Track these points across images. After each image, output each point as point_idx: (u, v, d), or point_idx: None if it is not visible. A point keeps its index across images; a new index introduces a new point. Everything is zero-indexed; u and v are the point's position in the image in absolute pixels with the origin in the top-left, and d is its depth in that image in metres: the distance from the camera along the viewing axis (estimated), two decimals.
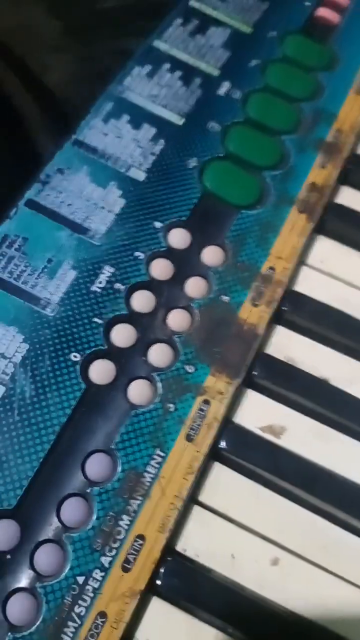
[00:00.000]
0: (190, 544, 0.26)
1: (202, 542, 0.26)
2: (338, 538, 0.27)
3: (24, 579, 0.24)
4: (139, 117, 0.34)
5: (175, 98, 0.35)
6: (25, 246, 0.30)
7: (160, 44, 0.37)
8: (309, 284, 0.32)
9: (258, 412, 0.29)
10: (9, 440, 0.26)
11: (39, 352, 0.28)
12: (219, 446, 0.28)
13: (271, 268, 0.31)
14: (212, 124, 0.35)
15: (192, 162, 0.34)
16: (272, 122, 0.35)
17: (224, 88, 0.36)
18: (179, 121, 0.35)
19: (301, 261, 0.33)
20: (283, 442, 0.28)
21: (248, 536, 0.27)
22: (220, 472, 0.28)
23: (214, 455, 0.28)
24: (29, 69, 0.46)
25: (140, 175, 0.33)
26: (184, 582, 0.25)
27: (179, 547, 0.26)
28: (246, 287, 0.31)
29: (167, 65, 0.36)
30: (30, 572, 0.24)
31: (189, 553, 0.26)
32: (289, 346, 0.31)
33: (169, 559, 0.25)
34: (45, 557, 0.24)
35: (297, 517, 0.27)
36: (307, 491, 0.28)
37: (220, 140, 0.35)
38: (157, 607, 0.25)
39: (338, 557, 0.27)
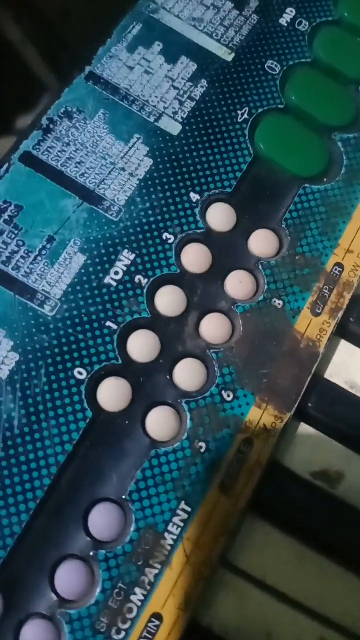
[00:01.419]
0: (219, 619, 0.22)
1: (232, 616, 0.22)
2: None
3: None
4: (176, 46, 0.27)
5: (225, 24, 0.28)
6: (18, 217, 0.23)
7: None
8: None
9: (311, 453, 0.24)
10: None
11: (32, 365, 0.22)
12: (261, 498, 0.23)
13: (338, 265, 0.25)
14: (271, 64, 0.28)
15: (243, 114, 0.27)
16: (347, 68, 0.28)
17: (288, 16, 0.29)
18: (228, 56, 0.27)
19: None
20: (339, 492, 0.23)
21: (289, 610, 0.22)
22: (259, 529, 0.23)
23: (253, 505, 0.23)
24: None
25: (175, 128, 0.26)
26: None
27: (205, 622, 0.22)
28: (306, 290, 0.25)
29: None
30: None
31: (216, 629, 0.22)
32: (353, 368, 0.25)
33: None
34: (34, 638, 0.20)
35: (353, 587, 0.23)
36: None
37: (280, 87, 0.27)
38: None
39: None
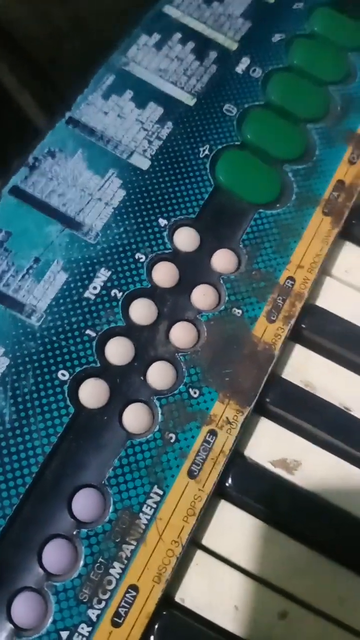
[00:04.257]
0: (190, 594, 0.25)
1: (202, 591, 0.25)
2: (356, 587, 0.26)
3: None
4: (145, 94, 0.32)
5: (187, 74, 0.33)
6: (8, 242, 0.28)
7: (171, 10, 0.35)
8: (331, 298, 0.31)
9: (270, 444, 0.28)
10: None
11: (21, 368, 0.26)
12: (226, 483, 0.26)
13: (290, 278, 0.30)
14: (228, 107, 0.33)
15: (204, 150, 0.32)
16: (296, 108, 0.34)
17: (243, 65, 0.34)
18: (190, 101, 0.33)
19: (324, 271, 0.31)
20: (296, 478, 0.27)
21: (254, 585, 0.26)
22: (225, 512, 0.26)
23: (220, 491, 0.26)
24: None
25: (144, 163, 0.31)
26: (181, 638, 0.24)
27: (177, 597, 0.25)
28: (262, 300, 0.29)
29: (178, 35, 0.34)
30: (7, 625, 0.23)
31: (188, 604, 0.25)
32: (307, 368, 0.29)
33: (164, 612, 0.24)
34: (23, 608, 0.23)
35: (311, 563, 0.26)
36: (322, 535, 0.26)
37: (237, 126, 0.33)
38: None
39: (355, 611, 0.26)
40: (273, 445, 0.28)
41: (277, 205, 0.31)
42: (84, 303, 0.27)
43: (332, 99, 0.35)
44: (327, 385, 0.29)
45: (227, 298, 0.29)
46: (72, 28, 0.48)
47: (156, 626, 0.24)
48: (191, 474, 0.26)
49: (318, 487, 0.27)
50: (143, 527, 0.25)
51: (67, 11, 0.47)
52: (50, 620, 0.23)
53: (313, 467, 0.28)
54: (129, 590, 0.24)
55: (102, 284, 0.28)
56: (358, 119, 0.34)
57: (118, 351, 0.27)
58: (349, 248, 0.32)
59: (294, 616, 0.25)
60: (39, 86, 0.46)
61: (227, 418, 0.27)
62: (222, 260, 0.30)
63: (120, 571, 0.24)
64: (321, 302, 0.30)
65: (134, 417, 0.26)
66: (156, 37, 0.34)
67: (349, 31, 0.36)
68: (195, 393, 0.27)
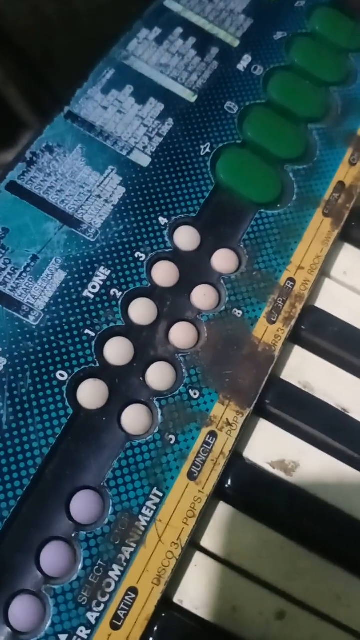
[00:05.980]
0: (188, 595, 0.25)
1: (201, 592, 0.25)
2: (354, 587, 0.26)
3: None
4: (145, 89, 0.32)
5: (188, 70, 0.33)
6: (5, 239, 0.27)
7: (172, 4, 0.34)
8: (330, 300, 0.31)
9: (269, 445, 0.28)
10: None
11: (18, 368, 0.25)
12: (225, 485, 0.26)
13: (291, 279, 0.30)
14: (230, 104, 0.33)
15: (205, 148, 0.31)
16: (297, 108, 0.33)
17: (245, 62, 0.34)
18: (191, 98, 0.32)
19: (322, 272, 0.31)
20: (295, 479, 0.27)
21: (252, 586, 0.26)
22: (224, 513, 0.26)
23: (218, 492, 0.26)
24: None
25: (144, 160, 0.30)
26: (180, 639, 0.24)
27: (176, 598, 0.25)
28: (262, 301, 0.29)
29: (179, 30, 0.33)
30: (5, 628, 0.22)
31: (186, 605, 0.25)
32: (305, 370, 0.29)
33: (163, 614, 0.24)
34: (21, 612, 0.23)
35: (308, 564, 0.26)
36: (320, 536, 0.27)
37: (238, 124, 0.32)
38: None
39: (352, 610, 0.26)
40: (271, 447, 0.28)
41: (278, 205, 0.31)
42: (83, 302, 0.27)
43: (333, 100, 0.34)
44: (325, 386, 0.29)
45: (227, 298, 0.29)
46: (65, 22, 0.47)
47: (155, 628, 0.24)
48: (191, 476, 0.26)
49: (316, 488, 0.27)
50: (142, 529, 0.24)
51: (60, 4, 0.46)
52: (49, 623, 0.23)
53: (311, 468, 0.28)
54: (129, 592, 0.24)
55: (101, 282, 0.28)
56: (358, 121, 0.34)
57: (117, 351, 0.27)
58: (347, 250, 0.32)
59: (292, 616, 0.25)
60: (28, 80, 0.45)
61: (227, 419, 0.27)
62: (223, 260, 0.29)
63: (119, 573, 0.24)
64: (320, 303, 0.30)
65: (134, 418, 0.26)
66: (157, 31, 0.33)
67: (350, 32, 0.36)
68: (195, 394, 0.27)
